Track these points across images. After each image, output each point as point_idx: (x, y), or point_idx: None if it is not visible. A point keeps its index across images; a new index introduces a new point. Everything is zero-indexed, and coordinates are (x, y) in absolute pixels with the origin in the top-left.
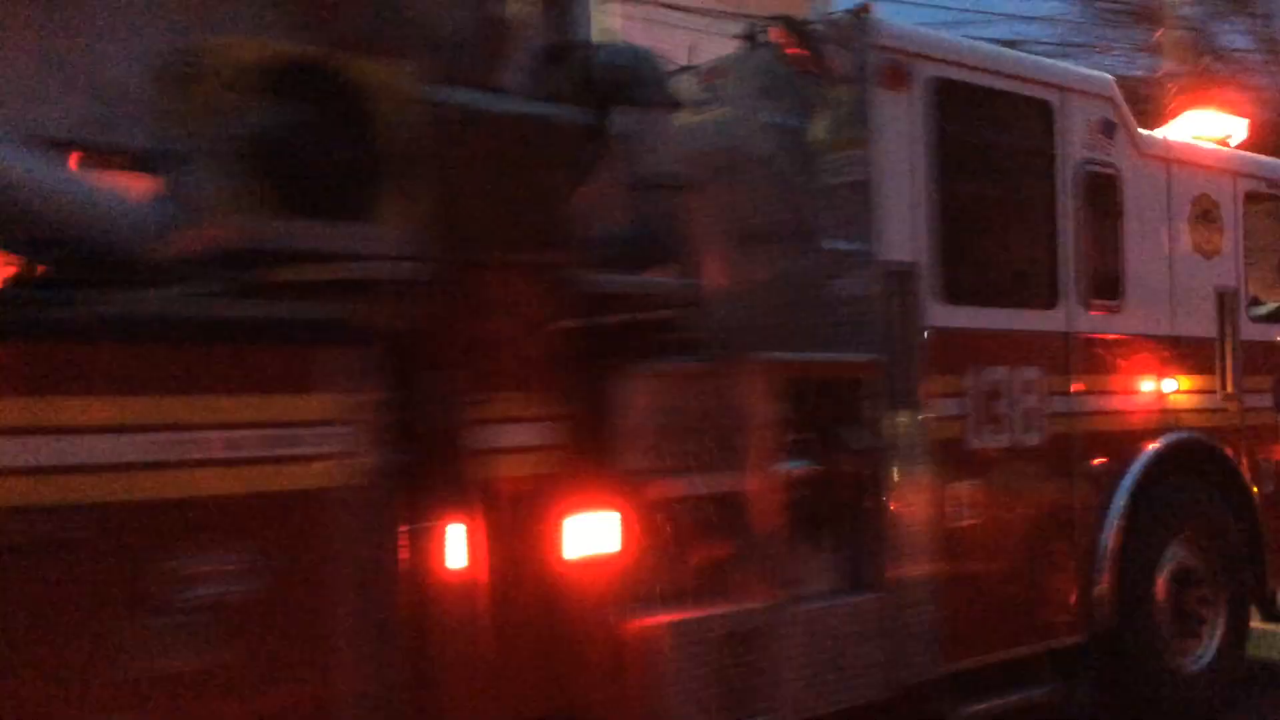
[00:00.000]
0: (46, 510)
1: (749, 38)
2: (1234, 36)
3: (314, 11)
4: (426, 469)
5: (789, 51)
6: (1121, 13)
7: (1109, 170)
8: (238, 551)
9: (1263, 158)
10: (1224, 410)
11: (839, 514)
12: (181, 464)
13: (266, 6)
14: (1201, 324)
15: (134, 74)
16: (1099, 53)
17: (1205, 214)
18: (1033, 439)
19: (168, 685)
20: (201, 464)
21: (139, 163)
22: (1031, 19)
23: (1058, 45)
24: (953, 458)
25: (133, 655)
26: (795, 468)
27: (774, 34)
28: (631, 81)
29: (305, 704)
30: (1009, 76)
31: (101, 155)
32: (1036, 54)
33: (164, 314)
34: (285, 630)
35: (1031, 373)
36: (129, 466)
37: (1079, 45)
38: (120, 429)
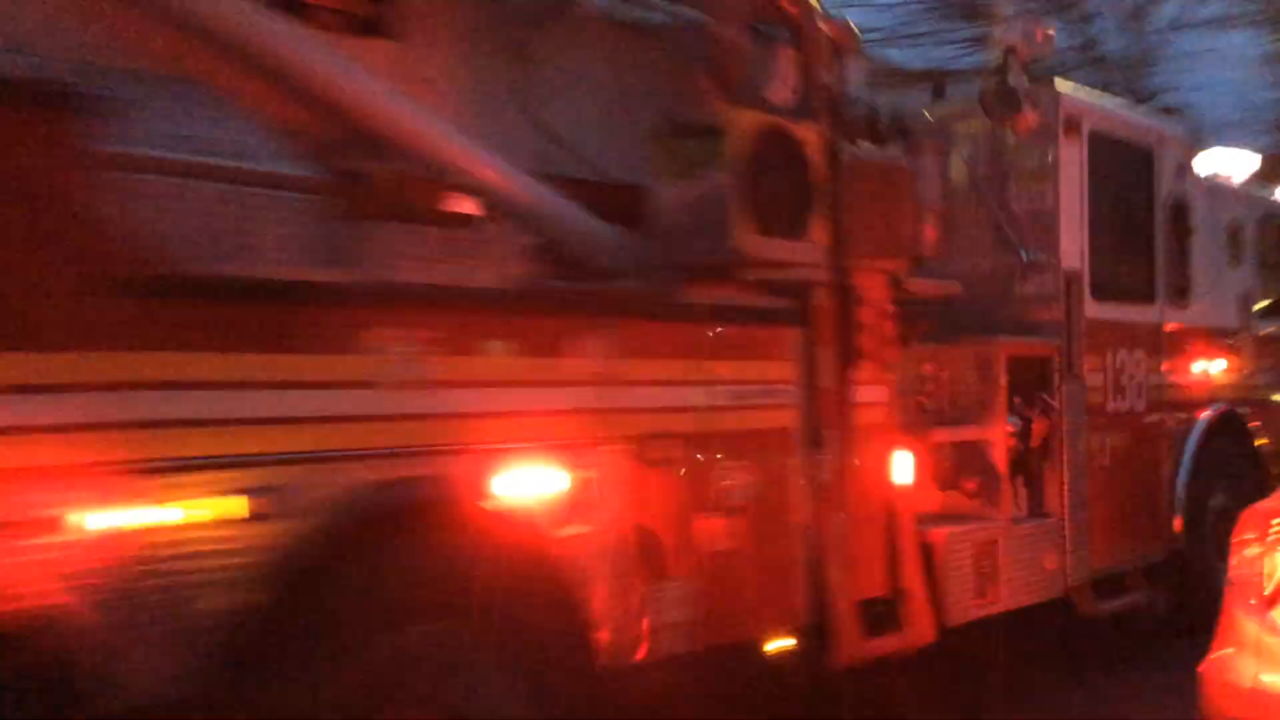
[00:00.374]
0: (660, 436)
1: (938, 91)
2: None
3: (734, 87)
4: (824, 416)
5: (993, 108)
6: (955, 7)
7: (1183, 201)
8: (745, 471)
9: (1267, 192)
10: (1242, 386)
11: (1030, 457)
12: (717, 409)
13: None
14: (1231, 319)
15: (594, 125)
16: (934, 45)
17: (1235, 234)
18: (1139, 406)
19: (715, 560)
20: (726, 409)
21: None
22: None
23: (890, 35)
24: (1097, 417)
25: (698, 541)
26: (1013, 422)
27: (983, 95)
28: (907, 126)
29: (778, 570)
30: (1131, 128)
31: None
32: (872, 42)
33: (697, 304)
34: (768, 525)
35: (1140, 354)
36: (691, 409)
37: (914, 35)
38: (683, 383)
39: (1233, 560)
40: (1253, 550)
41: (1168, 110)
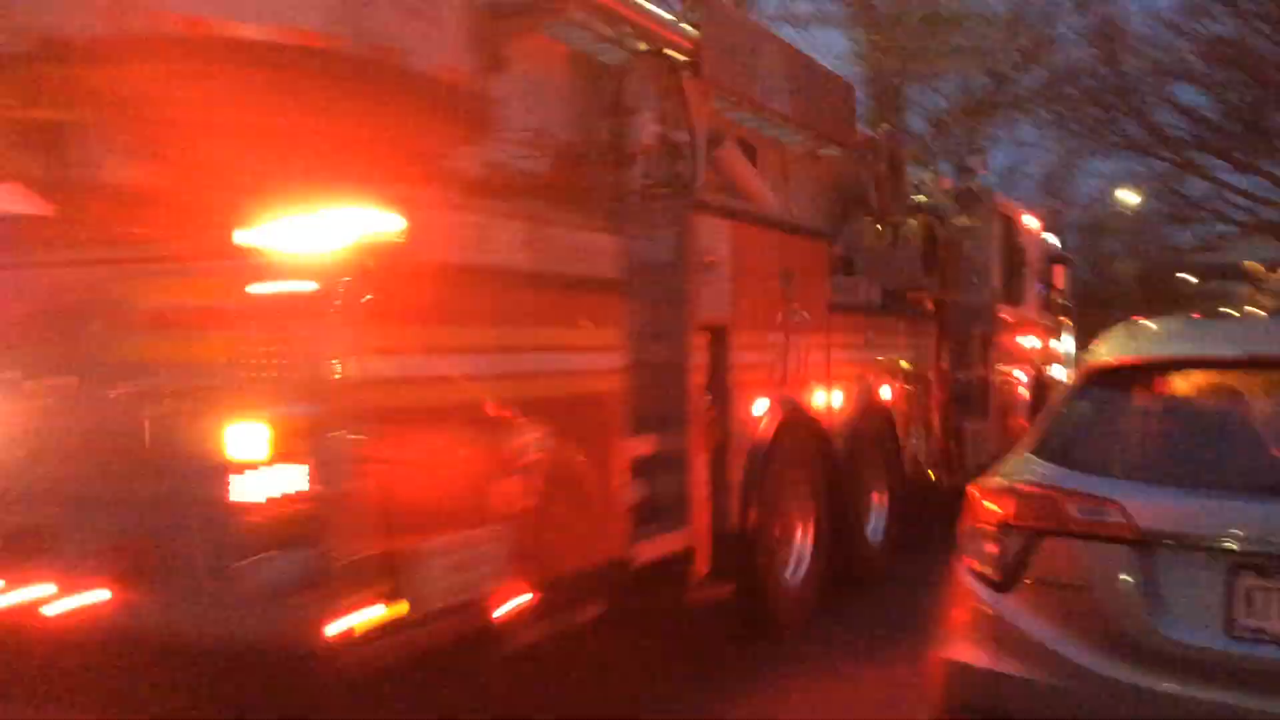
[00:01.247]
0: (900, 370)
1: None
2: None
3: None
4: (935, 367)
5: (965, 202)
6: None
7: (1022, 245)
8: (923, 385)
9: (1053, 238)
10: (1049, 355)
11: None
12: (914, 361)
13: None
14: (1042, 314)
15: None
16: None
17: (1049, 263)
18: (1011, 364)
19: (920, 428)
20: (917, 362)
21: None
22: None
23: None
24: (1001, 369)
25: (916, 417)
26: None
27: (960, 193)
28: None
29: (940, 432)
30: (1009, 207)
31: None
32: None
33: (910, 311)
34: (932, 412)
35: (1009, 334)
36: (901, 359)
37: None
38: (901, 348)
39: (962, 540)
40: (983, 529)
41: None
